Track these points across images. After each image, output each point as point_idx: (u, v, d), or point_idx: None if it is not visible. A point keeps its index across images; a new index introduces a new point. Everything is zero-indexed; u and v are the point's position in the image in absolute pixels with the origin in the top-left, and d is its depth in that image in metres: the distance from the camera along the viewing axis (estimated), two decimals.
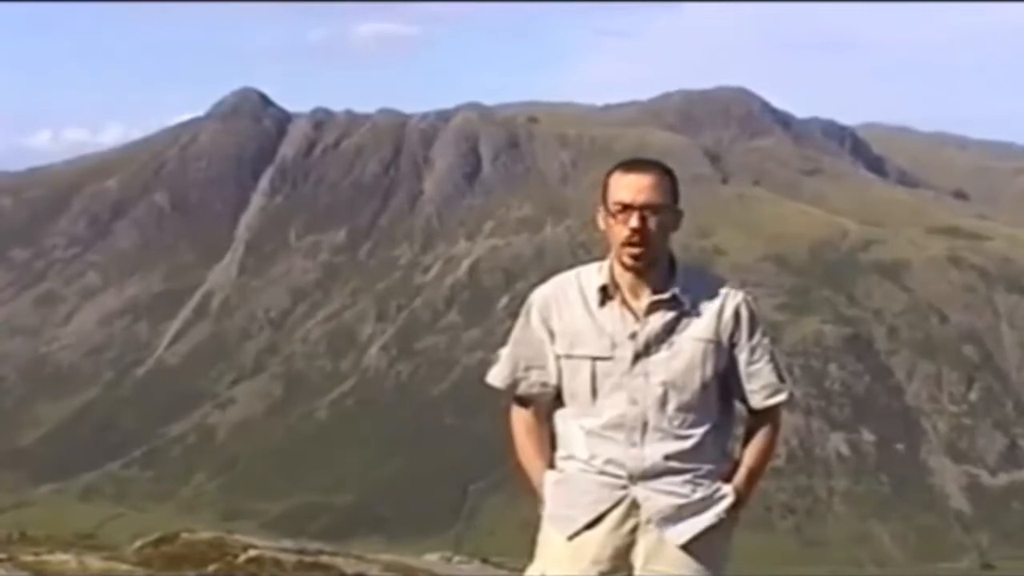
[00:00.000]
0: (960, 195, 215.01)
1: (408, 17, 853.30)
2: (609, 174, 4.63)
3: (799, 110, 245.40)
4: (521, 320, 4.75)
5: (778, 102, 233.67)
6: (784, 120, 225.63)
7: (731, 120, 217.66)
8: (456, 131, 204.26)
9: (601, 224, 4.63)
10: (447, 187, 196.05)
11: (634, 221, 4.48)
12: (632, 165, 4.61)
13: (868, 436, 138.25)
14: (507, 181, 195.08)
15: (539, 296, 4.72)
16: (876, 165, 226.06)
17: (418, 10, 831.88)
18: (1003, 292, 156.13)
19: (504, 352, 4.78)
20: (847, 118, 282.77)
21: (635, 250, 4.50)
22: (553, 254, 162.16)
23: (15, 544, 19.39)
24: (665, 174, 4.60)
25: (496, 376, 4.77)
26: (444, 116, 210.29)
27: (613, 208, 4.54)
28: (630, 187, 4.52)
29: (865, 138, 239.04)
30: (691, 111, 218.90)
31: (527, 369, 4.71)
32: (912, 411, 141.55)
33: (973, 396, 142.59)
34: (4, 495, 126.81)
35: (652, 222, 4.50)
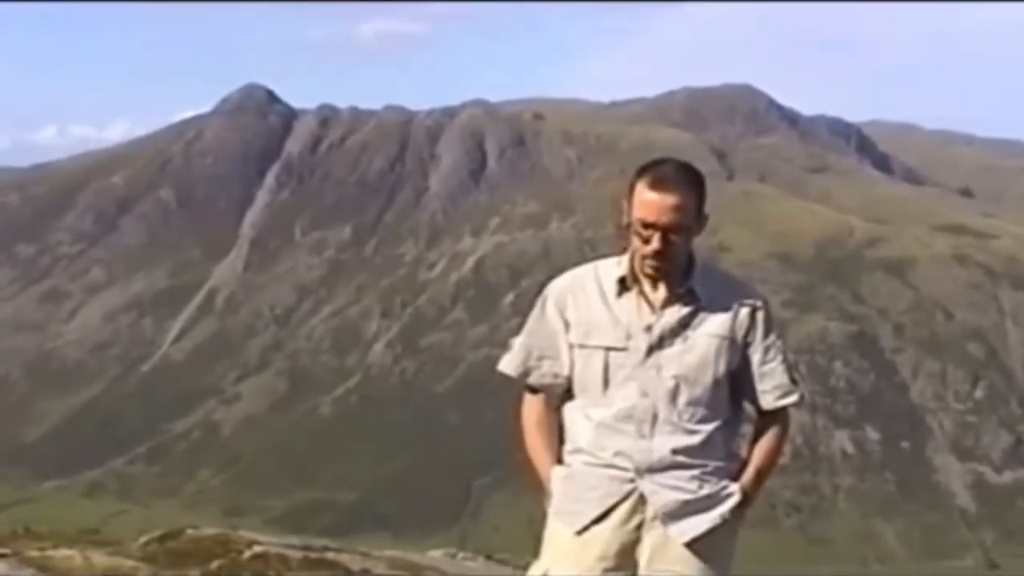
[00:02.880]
0: (966, 193, 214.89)
1: (414, 14, 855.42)
2: (636, 178, 4.53)
3: (805, 107, 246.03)
4: (536, 310, 4.73)
5: (784, 99, 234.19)
6: (790, 117, 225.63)
7: (737, 117, 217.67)
8: (462, 128, 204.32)
9: (624, 220, 4.57)
10: (452, 184, 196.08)
11: (656, 243, 4.45)
12: (659, 182, 4.46)
13: (873, 434, 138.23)
14: (513, 178, 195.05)
15: (555, 287, 4.72)
16: (882, 163, 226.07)
17: (424, 7, 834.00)
18: (1008, 290, 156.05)
19: (518, 341, 4.77)
20: (853, 115, 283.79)
21: (655, 263, 4.49)
22: (559, 251, 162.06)
23: (20, 540, 19.38)
24: (693, 188, 4.50)
25: (508, 364, 4.76)
26: (450, 113, 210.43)
27: (636, 224, 4.49)
28: (654, 207, 4.44)
29: (871, 135, 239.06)
30: (697, 108, 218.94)
31: (540, 359, 4.71)
32: (917, 409, 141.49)
33: (978, 394, 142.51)
34: (9, 491, 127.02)
35: (675, 241, 4.46)
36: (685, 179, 4.51)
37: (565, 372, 4.67)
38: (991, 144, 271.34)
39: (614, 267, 4.64)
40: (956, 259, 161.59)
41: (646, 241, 4.46)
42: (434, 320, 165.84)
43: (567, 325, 4.64)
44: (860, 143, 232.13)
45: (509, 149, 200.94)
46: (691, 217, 4.48)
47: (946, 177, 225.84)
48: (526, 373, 4.74)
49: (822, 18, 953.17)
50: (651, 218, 4.44)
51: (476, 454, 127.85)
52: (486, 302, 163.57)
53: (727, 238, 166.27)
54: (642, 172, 4.55)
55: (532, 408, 4.81)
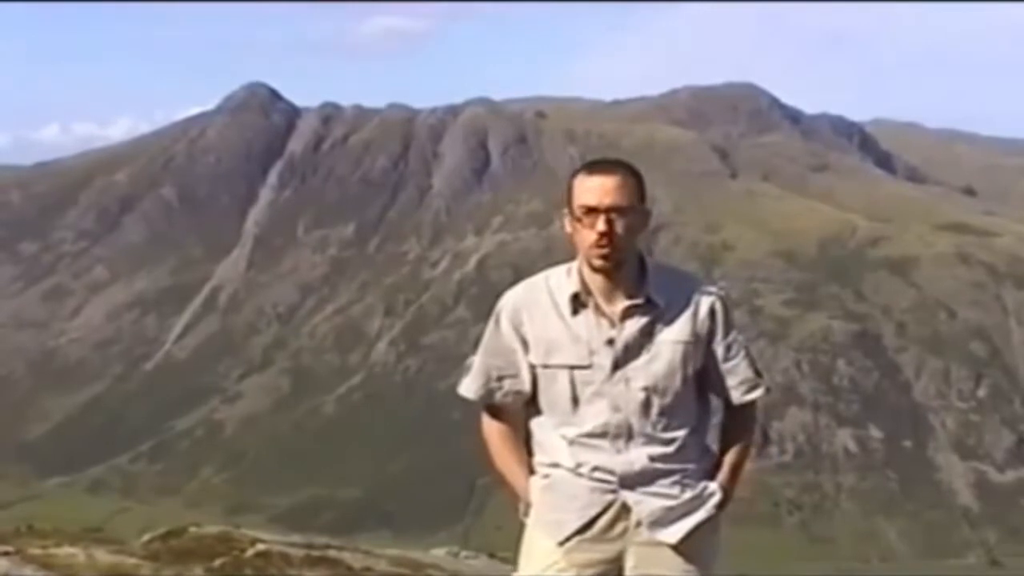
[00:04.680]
0: (969, 192, 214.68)
1: (416, 12, 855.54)
2: (573, 176, 4.52)
3: (808, 106, 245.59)
4: (491, 328, 4.67)
5: (787, 98, 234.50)
6: (793, 116, 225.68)
7: (740, 116, 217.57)
8: (464, 126, 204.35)
9: (568, 227, 4.52)
10: (455, 182, 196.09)
11: (601, 224, 4.38)
12: (596, 167, 4.49)
13: (876, 432, 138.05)
14: (515, 176, 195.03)
15: (508, 303, 4.66)
16: (885, 161, 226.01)
17: (426, 5, 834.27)
18: (1011, 288, 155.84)
19: (475, 362, 4.70)
20: (856, 114, 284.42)
21: (603, 251, 4.41)
22: (561, 249, 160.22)
23: (23, 537, 19.41)
24: (630, 174, 4.49)
25: (468, 388, 4.70)
26: (452, 111, 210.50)
27: (579, 212, 4.44)
28: (595, 190, 4.41)
29: (874, 134, 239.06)
30: (700, 107, 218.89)
31: (500, 379, 4.64)
32: (920, 407, 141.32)
33: (981, 393, 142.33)
34: (12, 488, 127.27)
35: (619, 224, 4.39)
36: (622, 165, 4.51)
37: (526, 389, 4.61)
38: (994, 143, 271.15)
39: (565, 280, 4.57)
40: (959, 258, 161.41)
41: (591, 227, 4.40)
42: (437, 318, 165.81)
43: (525, 344, 4.57)
44: (863, 142, 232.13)
45: (512, 147, 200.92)
46: (632, 198, 4.43)
47: (949, 176, 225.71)
48: (488, 395, 4.67)
49: (825, 17, 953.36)
50: (592, 201, 4.40)
51: (479, 452, 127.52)
52: (489, 300, 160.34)
53: (730, 237, 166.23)
54: (578, 170, 4.55)
55: (494, 428, 4.78)
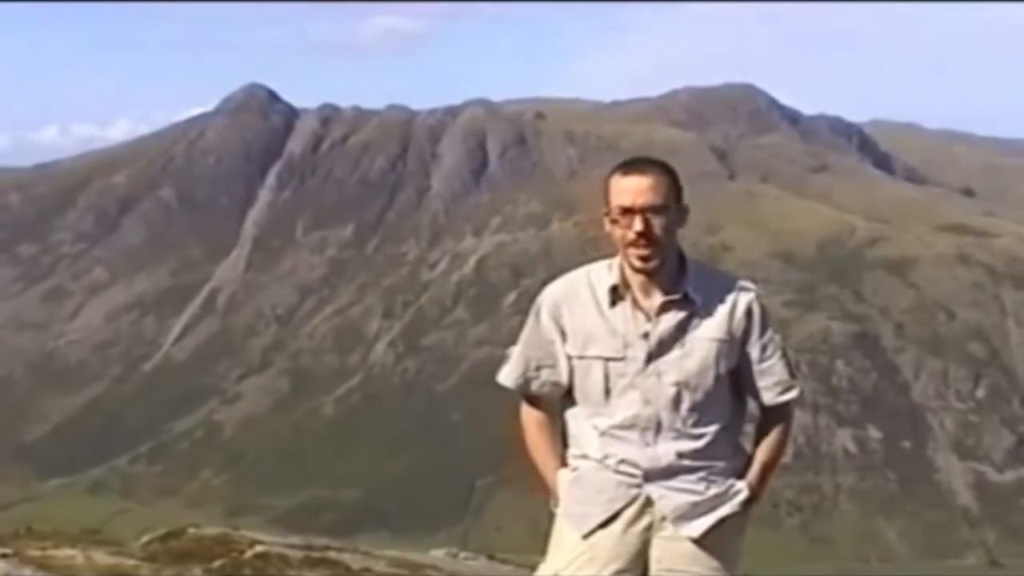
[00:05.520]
0: (967, 192, 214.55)
1: (415, 12, 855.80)
2: (609, 176, 4.58)
3: (806, 107, 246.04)
4: (531, 319, 4.72)
5: (785, 99, 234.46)
6: (791, 117, 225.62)
7: (738, 117, 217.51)
8: (463, 127, 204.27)
9: (607, 226, 4.58)
10: (454, 183, 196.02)
11: (637, 225, 4.45)
12: (630, 167, 4.55)
13: (875, 433, 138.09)
14: (514, 177, 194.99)
15: (549, 295, 4.70)
16: (883, 162, 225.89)
17: (425, 5, 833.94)
18: (1010, 289, 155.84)
19: (514, 351, 4.76)
20: (855, 115, 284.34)
21: (641, 252, 4.47)
22: (560, 250, 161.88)
23: (22, 539, 19.39)
24: (665, 173, 4.55)
25: (507, 376, 4.77)
26: (451, 112, 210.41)
27: (615, 212, 4.51)
28: (629, 190, 4.48)
29: (872, 135, 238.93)
30: (698, 108, 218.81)
31: (538, 369, 4.70)
32: (919, 408, 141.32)
33: (980, 393, 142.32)
34: (11, 490, 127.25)
35: (655, 224, 4.46)
36: (656, 164, 4.58)
37: (564, 380, 4.67)
38: (993, 143, 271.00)
39: (605, 273, 4.63)
40: (958, 258, 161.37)
41: (628, 227, 4.47)
42: (436, 319, 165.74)
43: (563, 335, 4.63)
44: (861, 142, 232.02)
45: (511, 148, 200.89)
46: (667, 197, 4.50)
47: (948, 176, 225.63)
48: (526, 384, 4.74)
49: (823, 17, 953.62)
50: (627, 201, 4.47)
51: (478, 453, 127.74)
52: (487, 301, 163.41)
53: (729, 238, 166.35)
54: (614, 170, 4.61)
55: (531, 417, 4.83)
